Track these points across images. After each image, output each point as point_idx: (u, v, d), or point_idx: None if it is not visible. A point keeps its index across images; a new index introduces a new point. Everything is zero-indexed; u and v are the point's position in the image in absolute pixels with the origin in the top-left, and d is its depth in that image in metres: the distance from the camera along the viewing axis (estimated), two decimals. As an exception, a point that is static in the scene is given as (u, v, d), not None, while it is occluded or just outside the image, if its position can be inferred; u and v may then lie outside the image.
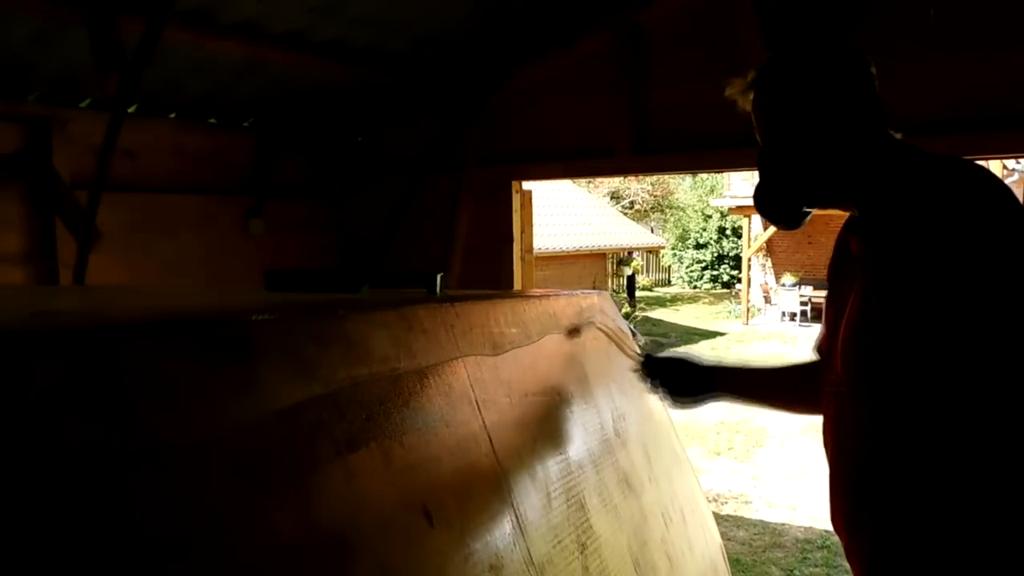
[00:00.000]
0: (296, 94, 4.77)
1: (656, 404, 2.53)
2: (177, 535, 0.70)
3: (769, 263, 19.71)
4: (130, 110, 4.55)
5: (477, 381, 1.31)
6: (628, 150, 4.07)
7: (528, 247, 4.69)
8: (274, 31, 3.84)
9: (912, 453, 1.23)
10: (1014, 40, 3.05)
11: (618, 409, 2.05)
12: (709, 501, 7.39)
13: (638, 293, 20.57)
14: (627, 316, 15.39)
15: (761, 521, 6.87)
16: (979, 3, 3.14)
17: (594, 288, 14.83)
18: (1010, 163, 17.23)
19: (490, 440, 1.26)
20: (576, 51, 4.24)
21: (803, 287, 18.01)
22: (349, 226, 5.36)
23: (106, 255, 4.29)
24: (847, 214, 1.70)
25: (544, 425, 1.52)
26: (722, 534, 6.81)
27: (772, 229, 18.03)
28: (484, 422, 1.27)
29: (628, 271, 17.08)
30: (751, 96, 1.66)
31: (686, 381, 1.87)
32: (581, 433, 1.68)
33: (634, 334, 2.51)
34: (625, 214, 21.63)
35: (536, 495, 1.35)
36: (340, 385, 1.00)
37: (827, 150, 1.50)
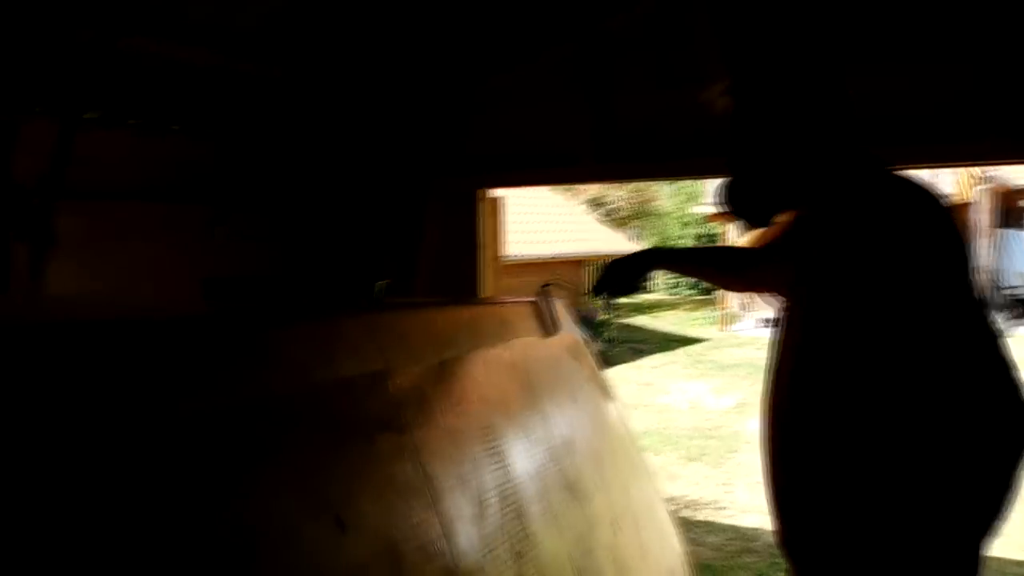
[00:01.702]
0: (259, 101, 4.74)
1: (613, 414, 2.53)
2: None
3: (746, 269, 19.80)
4: (88, 115, 4.51)
5: (406, 390, 1.30)
6: (591, 158, 4.07)
7: (495, 255, 4.68)
8: (231, 38, 3.82)
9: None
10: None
11: (567, 417, 2.04)
12: (682, 507, 7.40)
13: (619, 300, 20.58)
14: (604, 322, 15.41)
15: (733, 526, 6.87)
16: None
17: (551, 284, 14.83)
18: (980, 171, 17.45)
19: (416, 449, 1.25)
20: (542, 59, 4.24)
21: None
22: (316, 235, 5.33)
23: (67, 263, 4.25)
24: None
25: (480, 433, 1.51)
26: (693, 540, 6.82)
27: (751, 234, 18.08)
28: (411, 431, 1.26)
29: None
30: (724, 102, 1.82)
31: (624, 267, 2.05)
32: (522, 441, 1.67)
33: (587, 341, 2.50)
34: (605, 222, 21.68)
35: (466, 504, 1.34)
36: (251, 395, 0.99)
37: (792, 161, 1.71)
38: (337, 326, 1.19)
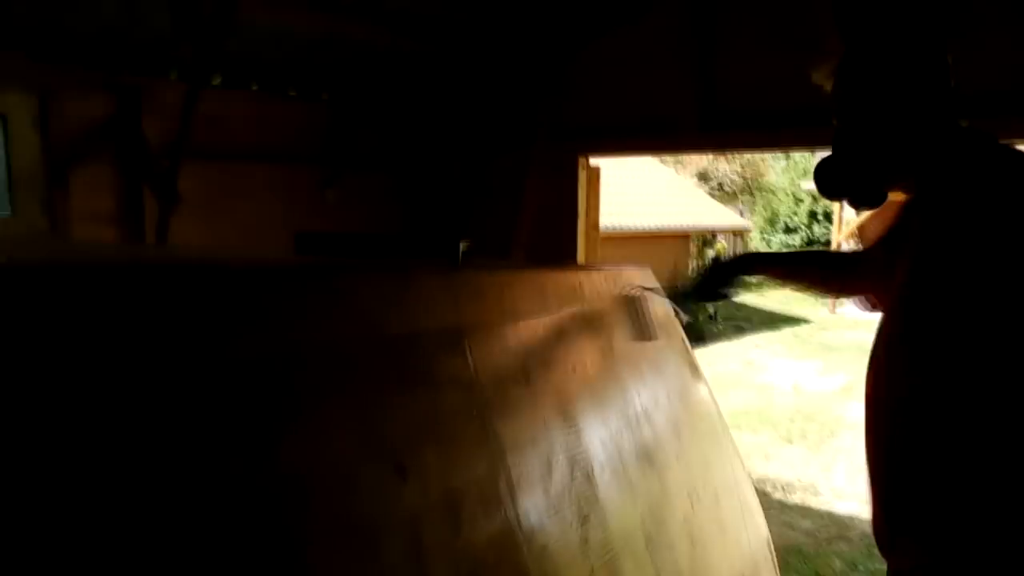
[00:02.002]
0: (370, 67, 4.87)
1: (698, 388, 2.53)
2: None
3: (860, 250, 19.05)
4: (214, 82, 4.74)
5: (478, 348, 1.35)
6: (694, 126, 4.01)
7: (594, 224, 4.68)
8: (345, 1, 3.93)
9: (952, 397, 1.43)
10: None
11: (647, 387, 2.05)
12: (776, 489, 7.28)
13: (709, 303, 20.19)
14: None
15: (828, 512, 6.72)
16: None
17: (675, 269, 14.64)
18: None
19: (486, 406, 1.30)
20: (645, 24, 4.19)
21: (896, 275, 17.33)
22: (422, 197, 5.45)
23: (189, 219, 4.51)
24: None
25: (552, 397, 1.55)
26: (787, 523, 6.72)
27: (864, 214, 17.41)
28: (481, 389, 1.31)
29: (711, 253, 16.80)
30: (829, 77, 1.78)
31: (721, 271, 2.14)
32: (596, 406, 1.70)
33: (676, 312, 2.49)
34: (713, 195, 21.23)
35: (533, 464, 1.38)
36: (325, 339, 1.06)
37: (901, 135, 1.63)
38: (412, 280, 1.24)
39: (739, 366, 12.57)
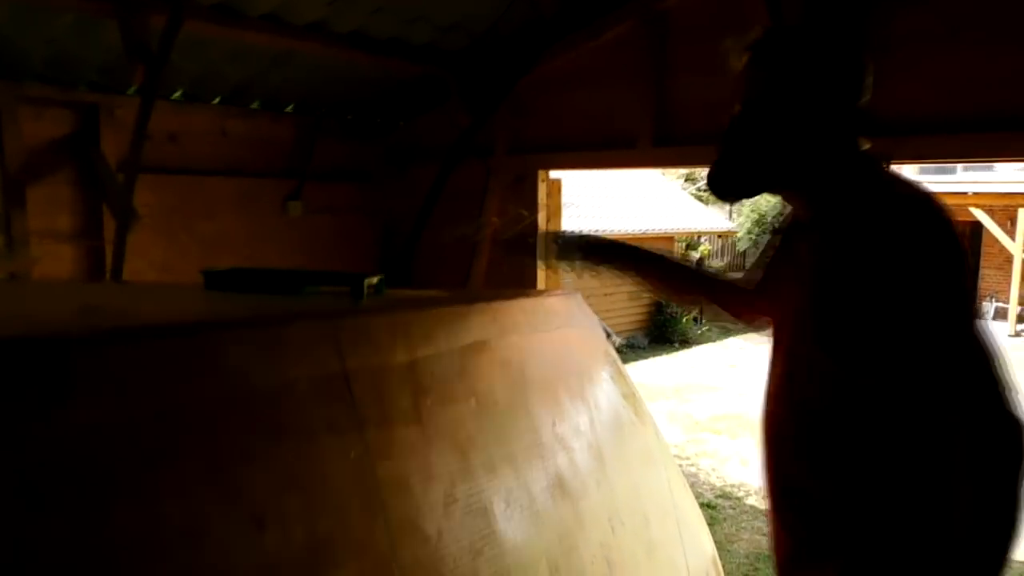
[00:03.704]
0: (331, 82, 4.88)
1: (630, 411, 2.54)
2: None
3: (847, 250, 19.12)
4: (174, 96, 4.75)
5: (363, 391, 1.36)
6: (650, 142, 4.04)
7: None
8: (298, 23, 3.95)
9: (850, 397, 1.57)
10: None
11: (565, 414, 2.07)
12: (750, 494, 7.31)
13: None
14: (691, 301, 15.17)
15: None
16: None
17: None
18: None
19: (367, 449, 1.31)
20: (603, 40, 4.21)
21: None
22: (385, 210, 5.47)
23: (150, 235, 4.52)
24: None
25: (448, 432, 1.56)
26: (758, 529, 6.75)
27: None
28: (364, 432, 1.32)
29: (695, 256, 16.84)
30: (743, 59, 1.76)
31: (587, 241, 2.20)
32: (499, 439, 1.71)
33: (608, 335, 2.51)
34: (699, 198, 21.26)
35: (419, 501, 1.39)
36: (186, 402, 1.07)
37: (804, 135, 1.62)
38: (284, 330, 1.26)
39: (723, 369, 12.60)
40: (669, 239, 15.81)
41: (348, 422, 1.30)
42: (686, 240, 16.69)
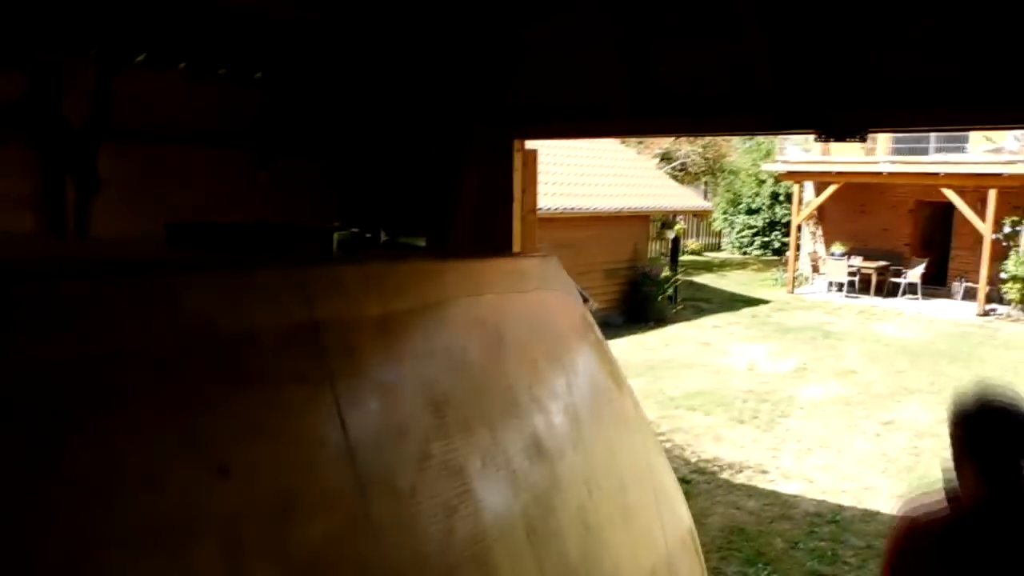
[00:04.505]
0: (305, 48, 4.76)
1: (606, 376, 2.51)
2: None
3: (820, 231, 19.25)
4: (137, 59, 4.61)
5: (334, 342, 1.31)
6: (626, 111, 3.98)
7: (531, 207, 4.64)
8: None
9: None
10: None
11: (542, 376, 2.02)
12: (723, 469, 7.34)
13: (685, 258, 20.33)
14: (666, 279, 15.21)
15: (774, 492, 6.80)
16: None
17: (634, 249, 14.63)
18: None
19: (336, 401, 1.26)
20: (578, 8, 4.14)
21: (852, 257, 17.56)
22: (358, 183, 5.37)
23: (114, 203, 4.39)
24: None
25: (423, 388, 1.51)
26: (732, 503, 6.77)
27: (824, 196, 17.59)
28: (334, 384, 1.27)
29: (671, 234, 16.83)
30: None
31: None
32: (475, 397, 1.66)
33: (585, 300, 2.47)
34: (675, 177, 21.27)
35: (392, 456, 1.34)
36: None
37: None
38: (250, 276, 1.19)
39: (696, 348, 12.65)
40: (644, 217, 15.79)
41: (317, 373, 1.24)
42: (661, 219, 16.68)
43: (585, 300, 2.42)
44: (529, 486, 1.78)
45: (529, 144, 4.70)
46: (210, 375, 1.05)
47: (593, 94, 4.11)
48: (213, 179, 4.87)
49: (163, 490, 0.93)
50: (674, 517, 2.74)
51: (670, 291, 15.27)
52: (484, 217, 4.59)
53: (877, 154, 16.89)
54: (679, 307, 15.46)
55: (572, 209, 13.17)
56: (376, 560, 1.22)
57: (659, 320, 14.60)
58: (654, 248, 16.52)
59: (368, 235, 1.80)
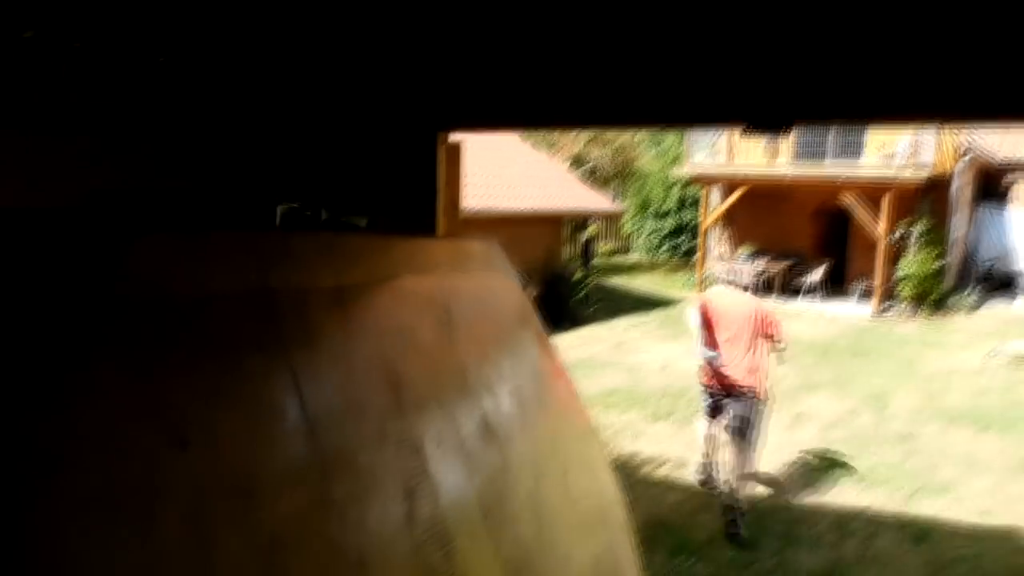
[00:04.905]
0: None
1: (547, 361, 2.48)
2: None
3: (727, 235, 19.82)
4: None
5: (289, 312, 1.23)
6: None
7: (454, 203, 4.59)
8: None
9: None
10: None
11: (490, 359, 1.98)
12: (643, 464, 7.44)
13: (597, 260, 20.60)
14: (580, 281, 15.38)
15: (692, 486, 6.91)
16: None
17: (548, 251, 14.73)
18: (963, 143, 17.43)
19: (295, 372, 1.18)
20: None
21: (759, 259, 18.14)
22: (291, 161, 5.19)
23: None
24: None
25: (379, 364, 1.44)
26: (653, 498, 6.86)
27: (731, 200, 18.13)
28: (290, 354, 1.20)
29: (584, 237, 17.05)
30: None
31: None
32: (429, 376, 1.61)
33: (525, 284, 2.44)
34: (586, 180, 21.54)
35: (351, 433, 1.28)
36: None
37: None
38: (204, 238, 1.11)
39: (610, 348, 12.81)
40: (558, 220, 15.93)
41: (274, 342, 1.17)
42: (574, 221, 16.86)
43: (525, 285, 2.39)
44: (482, 469, 1.74)
45: (453, 137, 4.65)
46: (167, 339, 0.97)
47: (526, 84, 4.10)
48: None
49: (122, 457, 0.85)
50: (612, 505, 2.74)
51: (583, 292, 15.43)
52: (405, 212, 4.50)
53: (780, 159, 17.51)
54: (593, 308, 15.64)
55: (486, 210, 13.16)
56: (340, 540, 1.16)
57: (574, 321, 14.73)
58: (567, 250, 16.67)
59: (308, 213, 1.73)
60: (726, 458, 6.10)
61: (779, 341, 5.96)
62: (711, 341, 5.93)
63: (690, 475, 6.86)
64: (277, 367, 1.16)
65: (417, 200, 4.43)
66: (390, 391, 1.45)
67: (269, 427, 1.10)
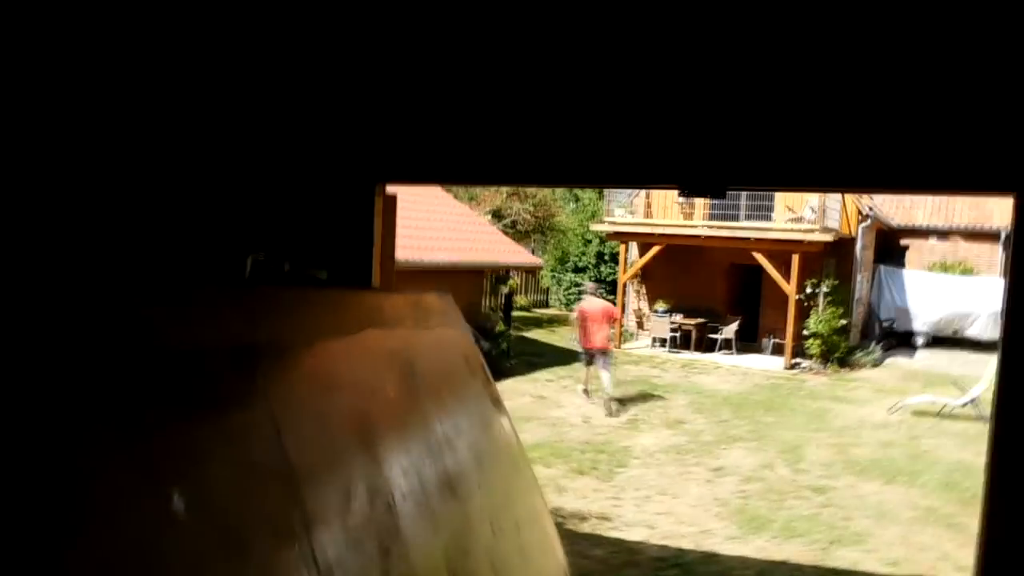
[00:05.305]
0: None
1: (498, 417, 2.48)
2: None
3: (644, 290, 20.25)
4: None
5: (273, 367, 1.21)
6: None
7: (389, 254, 4.57)
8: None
9: None
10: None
11: (449, 413, 1.97)
12: (568, 519, 7.43)
13: (516, 313, 20.71)
14: (501, 334, 15.40)
15: (618, 539, 6.93)
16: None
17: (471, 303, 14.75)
18: (864, 208, 18.39)
19: (279, 430, 1.16)
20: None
21: (675, 315, 18.57)
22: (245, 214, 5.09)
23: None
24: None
25: (352, 419, 1.43)
26: (579, 552, 6.84)
27: (648, 256, 18.60)
28: (274, 411, 1.17)
29: (505, 290, 17.16)
30: None
31: None
32: (397, 431, 1.59)
33: (477, 339, 2.45)
34: (507, 234, 21.74)
35: (331, 492, 1.26)
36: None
37: None
38: (197, 292, 1.09)
39: (532, 401, 12.82)
40: (480, 272, 16.01)
41: (260, 399, 1.14)
42: (495, 274, 16.98)
43: (477, 340, 2.41)
44: (447, 526, 1.72)
45: (390, 189, 4.66)
46: (161, 395, 0.94)
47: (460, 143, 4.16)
48: None
49: (129, 519, 0.81)
50: (556, 559, 2.74)
51: (504, 345, 15.46)
52: (340, 263, 4.46)
53: (695, 218, 18.10)
54: (513, 361, 15.66)
55: (408, 262, 13.13)
56: (324, 601, 1.13)
57: (496, 374, 14.66)
58: (487, 303, 16.73)
59: (272, 264, 1.71)
60: (601, 384, 12.02)
61: (617, 321, 13.23)
62: (583, 328, 11.83)
63: (578, 392, 11.51)
64: (263, 423, 1.13)
65: (357, 251, 4.40)
66: (364, 446, 1.43)
67: (257, 485, 1.08)
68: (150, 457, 0.91)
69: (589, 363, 12.24)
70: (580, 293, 25.47)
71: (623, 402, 12.33)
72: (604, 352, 11.87)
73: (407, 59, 4.23)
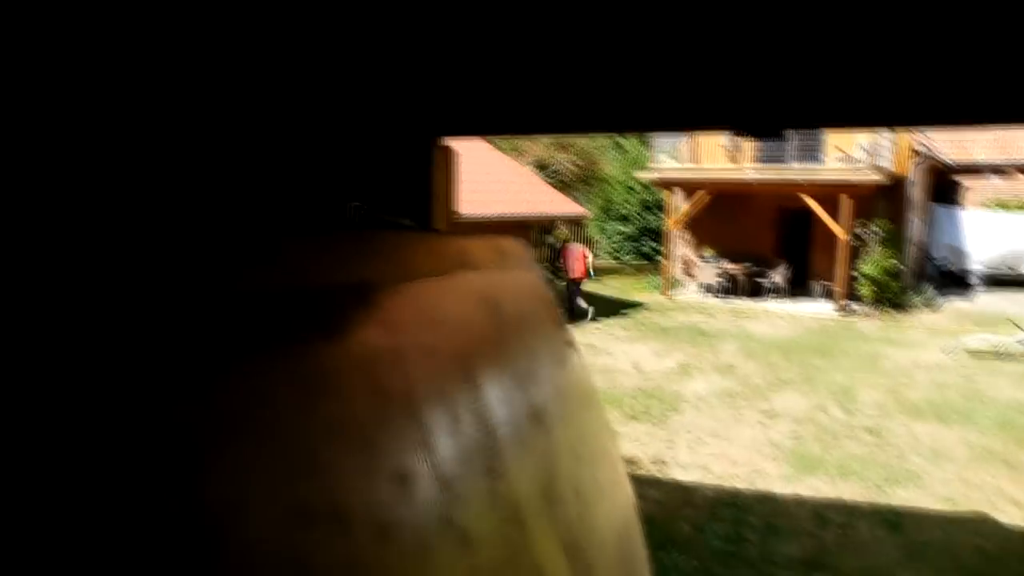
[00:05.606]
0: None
1: (571, 352, 2.59)
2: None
3: (690, 236, 20.14)
4: None
5: (383, 305, 1.33)
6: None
7: (449, 208, 4.68)
8: None
9: None
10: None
11: (531, 348, 2.09)
12: (624, 462, 7.58)
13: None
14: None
15: (674, 482, 7.08)
16: None
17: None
18: (917, 145, 17.96)
19: (400, 359, 1.28)
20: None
21: (722, 261, 18.48)
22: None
23: None
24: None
25: (454, 352, 1.55)
26: (636, 493, 6.99)
27: (694, 201, 18.44)
28: (393, 343, 1.29)
29: (552, 240, 17.22)
30: None
31: None
32: (491, 365, 1.71)
33: (550, 280, 2.55)
34: (551, 185, 21.71)
35: (444, 415, 1.38)
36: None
37: None
38: (327, 239, 1.21)
39: (582, 350, 12.96)
40: (526, 224, 16.06)
41: (379, 330, 1.27)
42: (541, 225, 17.01)
43: (550, 281, 2.51)
44: (536, 451, 1.84)
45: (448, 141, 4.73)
46: (305, 324, 1.06)
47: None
48: None
49: (280, 431, 0.94)
50: (626, 492, 2.86)
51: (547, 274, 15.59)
52: (410, 214, 4.57)
53: (742, 163, 17.87)
54: (563, 311, 15.77)
55: (462, 217, 13.22)
56: (450, 516, 1.26)
57: (544, 324, 14.87)
58: (535, 255, 16.81)
59: (368, 211, 1.82)
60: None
61: (589, 257, 16.07)
62: (565, 262, 15.60)
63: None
64: (384, 350, 1.25)
65: (416, 203, 4.51)
66: (466, 376, 1.55)
67: (384, 401, 1.20)
68: (305, 373, 1.03)
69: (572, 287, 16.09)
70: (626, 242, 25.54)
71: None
72: (579, 281, 15.86)
73: (455, 19, 4.27)
